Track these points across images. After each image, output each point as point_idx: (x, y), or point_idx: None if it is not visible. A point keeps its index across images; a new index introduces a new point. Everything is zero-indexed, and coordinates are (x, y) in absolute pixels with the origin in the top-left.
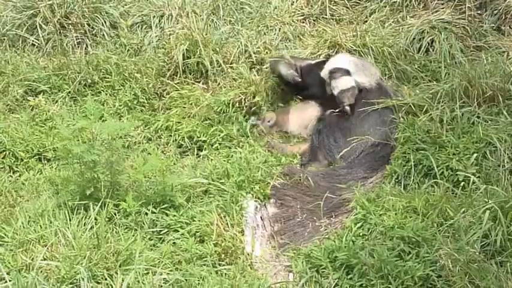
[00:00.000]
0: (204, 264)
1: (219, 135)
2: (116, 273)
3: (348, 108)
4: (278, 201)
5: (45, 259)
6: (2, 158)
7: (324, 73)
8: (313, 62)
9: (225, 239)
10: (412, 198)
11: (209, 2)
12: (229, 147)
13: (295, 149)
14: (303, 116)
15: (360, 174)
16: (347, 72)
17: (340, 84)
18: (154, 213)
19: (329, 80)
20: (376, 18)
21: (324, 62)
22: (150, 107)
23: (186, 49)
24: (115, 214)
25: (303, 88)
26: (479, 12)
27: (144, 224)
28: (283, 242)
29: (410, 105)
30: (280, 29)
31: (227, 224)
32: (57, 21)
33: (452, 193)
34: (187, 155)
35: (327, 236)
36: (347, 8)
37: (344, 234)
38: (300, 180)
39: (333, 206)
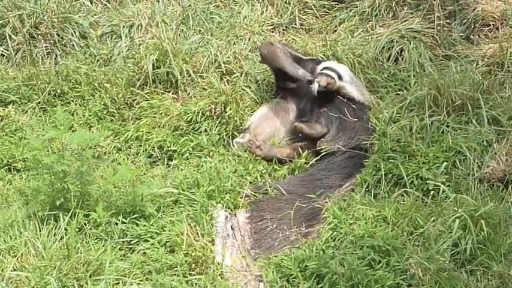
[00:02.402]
0: (175, 274)
1: (189, 145)
2: (86, 283)
3: (316, 86)
4: (249, 210)
5: (15, 270)
6: None
7: (317, 68)
8: (304, 57)
9: (195, 248)
10: (382, 207)
11: (179, 11)
12: (200, 157)
13: (283, 152)
14: (273, 123)
15: (336, 181)
16: (339, 76)
17: (324, 71)
18: (125, 223)
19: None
20: (345, 28)
21: (313, 61)
22: (120, 117)
23: (156, 59)
24: (85, 224)
25: (292, 82)
26: (448, 21)
27: (114, 234)
28: (253, 252)
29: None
30: (249, 38)
31: (197, 233)
32: (26, 32)
33: (422, 202)
34: (158, 164)
35: (297, 245)
36: (316, 17)
37: (314, 243)
38: (270, 193)
39: (304, 215)
